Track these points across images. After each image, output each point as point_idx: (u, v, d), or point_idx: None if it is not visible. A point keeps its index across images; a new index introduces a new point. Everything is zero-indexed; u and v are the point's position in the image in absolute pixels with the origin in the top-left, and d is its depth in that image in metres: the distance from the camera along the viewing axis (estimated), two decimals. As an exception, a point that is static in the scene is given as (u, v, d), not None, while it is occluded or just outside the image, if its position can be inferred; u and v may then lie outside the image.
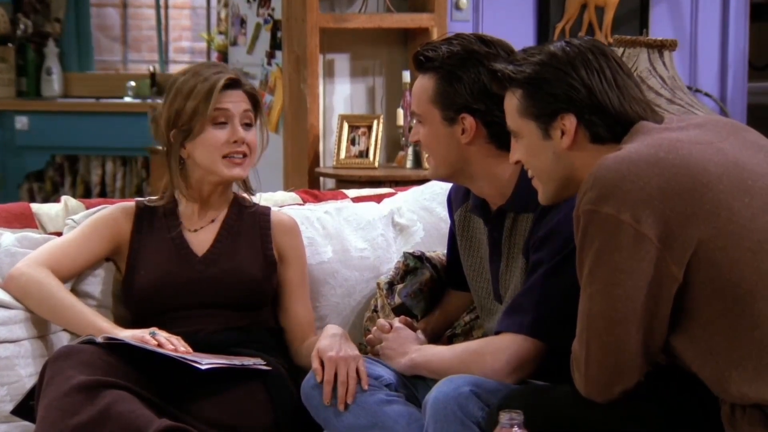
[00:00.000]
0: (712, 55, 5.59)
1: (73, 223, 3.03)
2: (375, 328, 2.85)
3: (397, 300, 3.02)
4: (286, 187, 4.45)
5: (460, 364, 2.56)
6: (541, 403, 2.36)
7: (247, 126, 2.92)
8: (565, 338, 2.34)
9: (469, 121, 2.62)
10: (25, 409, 2.69)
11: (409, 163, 5.03)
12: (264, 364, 2.75)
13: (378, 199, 3.43)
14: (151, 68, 7.95)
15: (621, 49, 4.27)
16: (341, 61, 5.25)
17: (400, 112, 5.09)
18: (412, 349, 2.72)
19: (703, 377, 2.24)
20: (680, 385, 2.31)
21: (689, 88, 5.04)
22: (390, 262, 3.19)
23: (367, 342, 2.88)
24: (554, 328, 2.50)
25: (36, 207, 3.14)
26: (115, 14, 8.51)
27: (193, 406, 2.65)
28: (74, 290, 2.93)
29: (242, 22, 5.64)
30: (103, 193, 7.67)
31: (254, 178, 3.03)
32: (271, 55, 5.39)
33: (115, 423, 2.48)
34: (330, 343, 2.71)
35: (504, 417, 2.12)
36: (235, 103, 2.89)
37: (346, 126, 5.11)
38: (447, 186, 2.98)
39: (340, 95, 5.26)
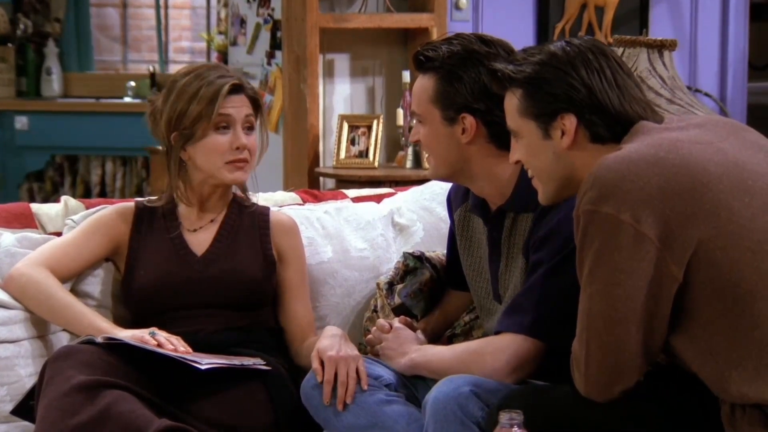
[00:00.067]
0: (712, 55, 5.59)
1: (72, 223, 3.03)
2: (375, 328, 2.85)
3: (397, 300, 3.02)
4: (286, 187, 4.45)
5: (460, 364, 2.56)
6: (541, 403, 2.36)
7: (249, 130, 2.92)
8: (565, 338, 2.34)
9: (469, 120, 2.62)
10: (24, 409, 2.69)
11: (408, 163, 5.03)
12: (264, 364, 2.75)
13: (378, 199, 3.43)
14: (151, 68, 7.95)
15: (621, 49, 4.27)
16: (341, 61, 5.25)
17: (400, 112, 5.09)
18: (412, 349, 2.72)
19: (703, 377, 2.24)
20: (680, 385, 2.31)
21: (689, 88, 5.05)
22: (390, 262, 3.19)
23: (367, 342, 2.88)
24: (554, 328, 2.50)
25: (36, 207, 3.14)
26: (115, 14, 8.51)
27: (193, 406, 2.65)
28: (74, 290, 2.93)
29: (242, 22, 5.64)
30: (103, 193, 7.67)
31: (251, 178, 3.03)
32: (270, 55, 5.39)
33: (115, 423, 2.48)
34: (330, 343, 2.71)
35: (504, 417, 2.12)
36: (238, 108, 2.89)
37: (345, 126, 5.11)
38: (447, 186, 2.98)
39: (340, 95, 5.26)
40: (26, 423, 2.71)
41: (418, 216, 3.31)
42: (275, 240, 3.01)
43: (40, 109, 7.68)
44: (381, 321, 2.86)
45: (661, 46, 4.28)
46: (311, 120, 5.08)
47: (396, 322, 2.82)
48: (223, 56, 6.42)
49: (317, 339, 2.79)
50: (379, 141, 5.07)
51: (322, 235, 3.19)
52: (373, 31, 5.18)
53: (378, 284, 3.11)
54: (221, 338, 2.85)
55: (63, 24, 7.91)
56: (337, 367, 2.65)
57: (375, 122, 5.10)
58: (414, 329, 2.84)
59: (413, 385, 2.73)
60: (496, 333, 2.59)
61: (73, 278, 2.94)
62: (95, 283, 2.97)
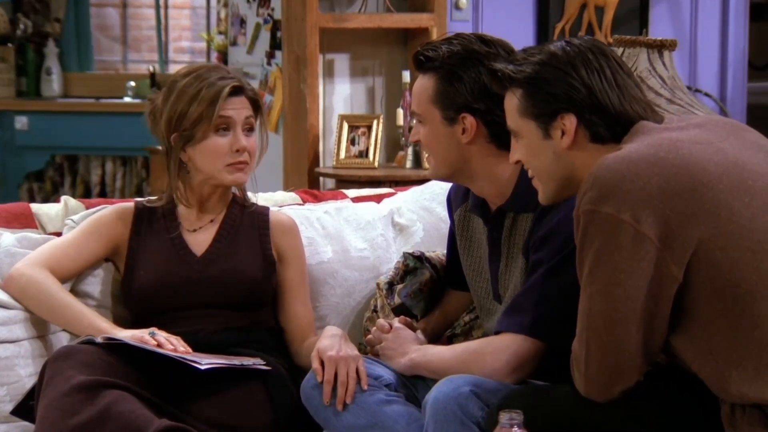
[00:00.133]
0: (712, 55, 5.59)
1: (72, 223, 3.03)
2: (375, 328, 2.85)
3: (397, 300, 3.02)
4: (286, 187, 4.45)
5: (460, 364, 2.56)
6: (541, 403, 2.36)
7: (249, 131, 2.92)
8: (565, 338, 2.34)
9: (469, 120, 2.62)
10: (24, 409, 2.69)
11: (408, 163, 5.03)
12: (264, 364, 2.75)
13: (378, 199, 3.43)
14: (151, 68, 7.95)
15: (621, 49, 4.27)
16: (341, 61, 5.25)
17: (400, 112, 5.09)
18: (412, 349, 2.72)
19: (703, 377, 2.24)
20: (680, 385, 2.31)
21: (689, 88, 5.04)
22: (390, 262, 3.19)
23: (367, 342, 2.88)
24: (554, 327, 2.50)
25: (36, 207, 3.14)
26: (115, 14, 8.51)
27: (192, 406, 2.65)
28: (74, 290, 2.93)
29: (242, 22, 5.64)
30: (102, 193, 7.67)
31: (251, 178, 3.02)
32: (270, 55, 5.39)
33: (114, 423, 2.48)
34: (330, 343, 2.71)
35: (504, 417, 2.12)
36: (238, 110, 2.89)
37: (345, 126, 5.11)
38: (447, 186, 2.98)
39: (340, 95, 5.26)
40: (26, 423, 2.71)
41: (418, 216, 3.31)
42: (275, 240, 3.01)
43: (40, 109, 7.68)
44: (381, 321, 2.86)
45: (661, 46, 4.28)
46: (311, 120, 5.08)
47: (396, 322, 2.82)
48: (223, 56, 6.42)
49: (317, 339, 2.79)
50: (379, 141, 5.07)
51: (322, 235, 3.19)
52: (373, 31, 5.18)
53: (378, 284, 3.11)
54: (221, 338, 2.85)
55: (63, 24, 7.91)
56: (337, 367, 2.65)
57: (375, 122, 5.10)
58: (414, 329, 2.84)
59: (413, 385, 2.73)
60: (496, 333, 2.59)
61: (73, 278, 2.94)
62: (95, 283, 2.97)
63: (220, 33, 6.86)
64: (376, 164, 5.06)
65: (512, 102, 2.41)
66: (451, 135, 2.64)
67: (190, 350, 2.70)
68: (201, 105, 2.85)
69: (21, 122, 7.58)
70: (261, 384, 2.73)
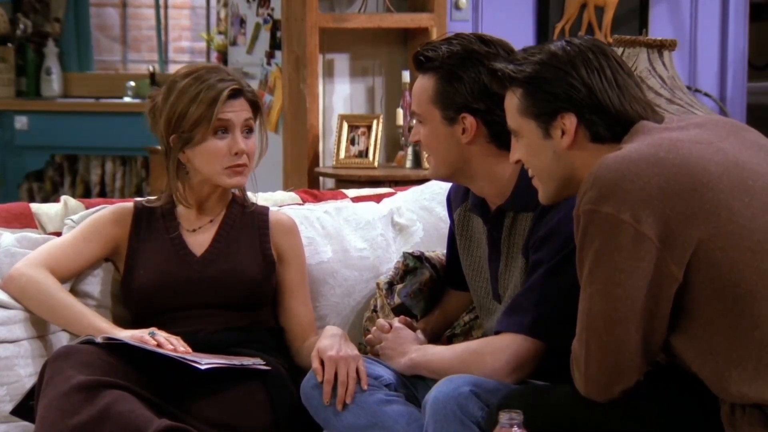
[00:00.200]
0: (712, 55, 5.59)
1: (72, 223, 3.03)
2: (374, 328, 2.85)
3: (397, 300, 3.02)
4: (286, 187, 4.45)
5: (460, 363, 2.56)
6: (541, 403, 2.36)
7: (248, 132, 2.91)
8: (564, 338, 2.34)
9: (469, 120, 2.62)
10: (24, 409, 2.69)
11: (408, 163, 5.03)
12: (263, 364, 2.75)
13: (377, 198, 3.43)
14: (151, 68, 7.95)
15: (620, 49, 4.26)
16: (341, 61, 5.25)
17: (400, 111, 5.09)
18: (412, 349, 2.72)
19: (703, 377, 2.24)
20: (680, 385, 2.31)
21: (689, 88, 5.04)
22: (389, 262, 3.19)
23: (367, 342, 2.88)
24: (554, 327, 2.50)
25: (35, 207, 3.14)
26: (115, 14, 8.51)
27: (192, 406, 2.65)
28: (73, 290, 2.93)
29: (242, 22, 5.64)
30: (102, 193, 7.67)
31: (250, 178, 3.02)
32: (270, 55, 5.39)
33: (114, 423, 2.48)
34: (330, 342, 2.71)
35: (504, 417, 2.12)
36: (237, 112, 2.88)
37: (345, 126, 5.11)
38: (446, 186, 2.98)
39: (340, 95, 5.26)
40: (26, 423, 2.71)
41: (417, 216, 3.31)
42: (275, 240, 3.01)
43: (39, 109, 7.68)
44: (381, 321, 2.86)
45: (660, 46, 4.28)
46: (311, 120, 5.08)
47: (396, 322, 2.82)
48: (223, 56, 6.42)
49: (318, 339, 2.79)
50: (378, 141, 5.08)
51: (322, 234, 3.19)
52: (372, 31, 5.18)
53: (378, 284, 3.11)
54: (221, 338, 2.85)
55: (63, 24, 7.91)
56: (337, 366, 2.65)
57: (375, 122, 5.10)
58: (414, 329, 2.84)
59: (413, 384, 2.73)
60: (496, 333, 2.59)
61: (73, 278, 2.94)
62: (95, 283, 2.97)
63: (219, 33, 6.86)
64: (376, 164, 5.06)
65: (512, 101, 2.41)
66: (451, 135, 2.64)
67: (189, 350, 2.70)
68: (200, 107, 2.84)
69: (21, 122, 7.58)
70: (261, 384, 2.73)
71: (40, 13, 7.83)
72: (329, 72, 5.22)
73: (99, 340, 2.68)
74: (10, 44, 7.74)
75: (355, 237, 3.23)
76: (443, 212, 3.11)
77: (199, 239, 2.96)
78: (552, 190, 2.42)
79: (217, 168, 2.89)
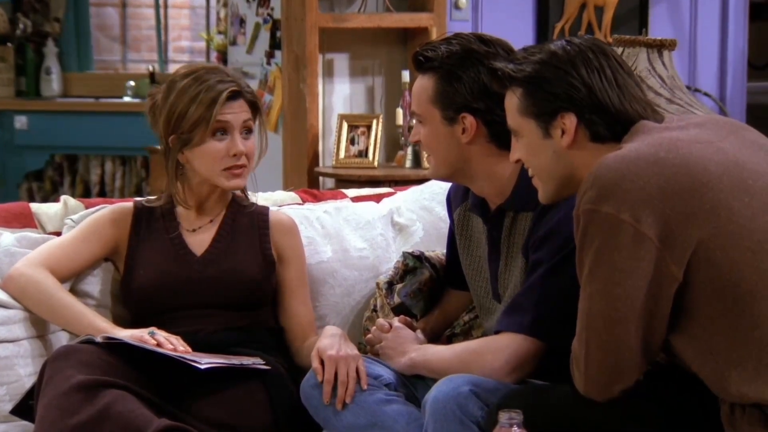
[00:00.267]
0: (712, 55, 5.59)
1: (72, 222, 3.03)
2: (374, 327, 2.85)
3: (397, 300, 3.02)
4: (286, 187, 4.45)
5: (460, 363, 2.56)
6: (541, 402, 2.36)
7: (247, 133, 2.91)
8: (564, 338, 2.34)
9: (469, 120, 2.62)
10: (24, 408, 2.69)
11: (408, 163, 5.03)
12: (263, 364, 2.75)
13: (377, 198, 3.43)
14: (151, 68, 7.95)
15: (620, 49, 4.26)
16: (340, 61, 5.25)
17: (400, 111, 5.09)
18: (412, 348, 2.72)
19: (703, 377, 2.24)
20: (680, 384, 2.31)
21: (688, 87, 5.04)
22: (389, 261, 3.19)
23: (367, 341, 2.88)
24: (554, 327, 2.50)
25: (35, 207, 3.14)
26: (115, 14, 8.51)
27: (192, 405, 2.65)
28: (73, 290, 2.93)
29: (241, 22, 5.64)
30: (102, 193, 7.67)
31: (251, 178, 3.02)
32: (270, 55, 5.39)
33: (114, 422, 2.48)
34: (330, 342, 2.71)
35: (503, 416, 2.12)
36: (236, 114, 2.88)
37: (345, 126, 5.11)
38: (446, 185, 2.98)
39: (340, 95, 5.26)
40: (26, 422, 2.71)
41: (417, 216, 3.31)
42: (275, 240, 3.01)
43: (39, 109, 7.68)
44: (380, 320, 2.86)
45: (660, 46, 4.28)
46: (311, 120, 5.08)
47: (396, 322, 2.82)
48: (223, 56, 6.42)
49: (318, 338, 2.79)
50: (378, 141, 5.08)
51: (322, 234, 3.19)
52: (372, 30, 5.18)
53: (377, 284, 3.11)
54: (221, 338, 2.85)
55: (62, 24, 7.91)
56: (337, 366, 2.65)
57: (374, 122, 5.10)
58: (413, 329, 2.84)
59: (413, 384, 2.73)
60: (496, 332, 2.59)
61: (73, 278, 2.94)
62: (95, 283, 2.97)
63: (219, 33, 6.85)
64: (376, 164, 5.06)
65: (512, 101, 2.41)
66: (451, 135, 2.64)
67: (189, 350, 2.70)
68: (199, 108, 2.84)
69: (20, 122, 7.58)
70: (260, 384, 2.73)
71: (40, 13, 7.83)
72: (329, 72, 5.22)
73: (99, 339, 2.68)
74: (9, 44, 7.74)
75: (354, 237, 3.23)
76: (443, 212, 3.11)
77: (199, 239, 2.96)
78: (552, 190, 2.42)
79: (215, 169, 2.89)
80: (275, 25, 5.33)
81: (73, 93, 7.90)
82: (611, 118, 2.33)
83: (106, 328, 2.77)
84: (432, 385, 2.51)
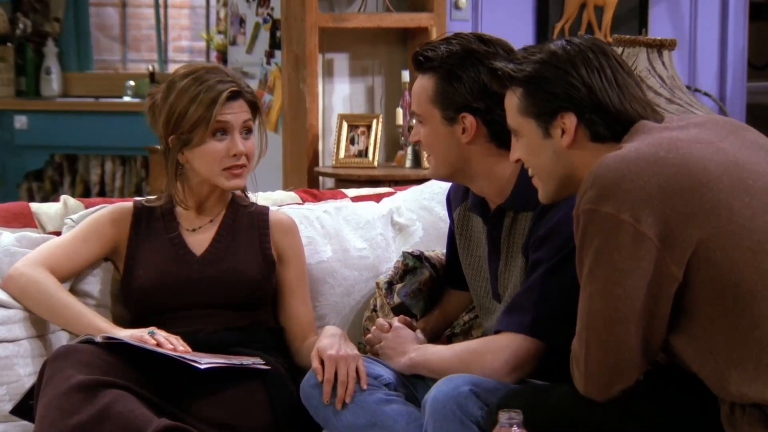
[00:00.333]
0: (712, 55, 5.59)
1: (72, 222, 3.03)
2: (374, 327, 2.85)
3: (397, 299, 3.02)
4: (286, 187, 4.45)
5: (460, 363, 2.56)
6: (541, 402, 2.36)
7: (247, 133, 2.91)
8: (564, 338, 2.34)
9: (469, 120, 2.62)
10: (24, 408, 2.69)
11: (408, 163, 5.03)
12: (263, 364, 2.75)
13: (377, 198, 3.43)
14: (151, 68, 7.94)
15: (620, 49, 4.26)
16: (340, 61, 5.25)
17: (400, 111, 5.09)
18: (412, 348, 2.72)
19: (703, 377, 2.24)
20: (680, 384, 2.31)
21: (688, 87, 5.04)
22: (389, 261, 3.19)
23: (367, 341, 2.88)
24: (554, 327, 2.50)
25: (35, 206, 3.14)
26: (115, 14, 8.51)
27: (192, 405, 2.65)
28: (73, 290, 2.93)
29: (241, 22, 5.64)
30: (102, 193, 7.67)
31: (250, 178, 3.02)
32: (270, 55, 5.39)
33: (114, 422, 2.48)
34: (330, 342, 2.71)
35: (503, 416, 2.12)
36: (236, 114, 2.88)
37: (345, 125, 5.11)
38: (446, 185, 2.98)
39: (340, 95, 5.26)
40: (26, 422, 2.71)
41: (417, 215, 3.31)
42: (274, 240, 3.01)
43: (39, 109, 7.68)
44: (380, 320, 2.86)
45: (660, 46, 4.28)
46: (310, 119, 5.08)
47: (395, 322, 2.82)
48: (223, 56, 6.42)
49: (317, 338, 2.79)
50: (378, 140, 5.08)
51: (322, 234, 3.19)
52: (372, 30, 5.18)
53: (377, 284, 3.11)
54: (221, 338, 2.85)
55: (62, 23, 7.91)
56: (337, 366, 2.65)
57: (374, 122, 5.10)
58: (413, 329, 2.84)
59: (412, 384, 2.73)
60: (496, 332, 2.59)
61: (72, 278, 2.94)
62: (94, 283, 2.97)
63: (219, 32, 6.86)
64: (376, 164, 5.06)
65: (512, 101, 2.41)
66: (451, 135, 2.64)
67: (189, 350, 2.70)
68: (199, 108, 2.84)
69: (20, 122, 7.57)
70: (260, 383, 2.73)
71: (40, 13, 7.83)
72: (329, 71, 5.22)
73: (98, 339, 2.68)
74: (9, 44, 7.74)
75: (354, 236, 3.23)
76: (443, 212, 3.11)
77: (199, 239, 2.96)
78: (552, 190, 2.42)
79: (215, 169, 2.88)
80: (275, 25, 5.33)
81: (72, 93, 7.90)
82: (611, 118, 2.33)
83: (106, 328, 2.77)
84: (432, 385, 2.51)
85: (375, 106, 5.28)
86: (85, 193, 7.64)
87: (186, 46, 8.55)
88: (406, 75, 5.04)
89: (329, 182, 5.09)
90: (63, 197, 3.17)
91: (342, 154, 5.09)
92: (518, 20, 5.38)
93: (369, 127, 5.09)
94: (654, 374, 2.32)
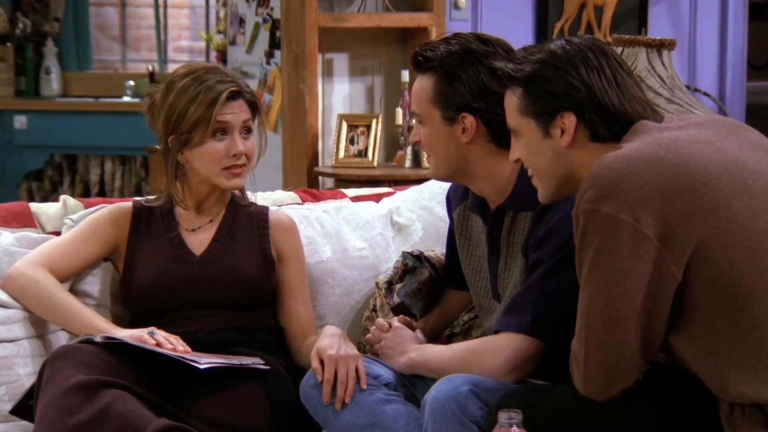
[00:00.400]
0: (711, 55, 5.59)
1: (71, 222, 3.03)
2: (374, 327, 2.85)
3: (396, 299, 3.02)
4: (285, 187, 4.45)
5: (459, 363, 2.56)
6: (540, 402, 2.36)
7: (247, 133, 2.91)
8: (564, 337, 2.34)
9: (469, 120, 2.62)
10: (24, 408, 2.69)
11: (408, 163, 5.03)
12: (263, 364, 2.75)
13: (377, 198, 3.43)
14: (150, 68, 7.94)
15: (620, 49, 4.26)
16: (340, 61, 5.25)
17: (399, 111, 5.09)
18: (411, 348, 2.72)
19: (703, 376, 2.24)
20: (680, 384, 2.31)
21: (688, 87, 5.04)
22: (389, 261, 3.19)
23: (366, 341, 2.88)
24: (553, 327, 2.50)
25: (35, 206, 3.14)
26: (114, 14, 8.51)
27: (192, 405, 2.65)
28: (73, 290, 2.93)
29: (241, 22, 5.64)
30: (101, 193, 7.67)
31: (250, 177, 3.02)
32: (270, 55, 5.39)
33: (113, 422, 2.48)
34: (329, 342, 2.71)
35: (503, 416, 2.12)
36: (236, 114, 2.88)
37: (345, 125, 5.11)
38: (446, 185, 2.98)
39: (339, 94, 5.26)
40: (25, 422, 2.71)
41: (417, 215, 3.31)
42: (274, 240, 3.01)
43: (39, 109, 7.67)
44: (380, 320, 2.86)
45: (660, 46, 4.28)
46: (310, 119, 5.08)
47: (395, 322, 2.82)
48: (222, 55, 6.42)
49: (317, 338, 2.79)
50: (378, 140, 5.08)
51: (321, 234, 3.19)
52: (372, 30, 5.18)
53: (377, 283, 3.11)
54: (221, 338, 2.85)
55: (62, 23, 7.91)
56: (337, 366, 2.65)
57: (374, 122, 5.10)
58: (413, 328, 2.84)
59: (412, 384, 2.73)
60: (496, 332, 2.59)
61: (72, 278, 2.94)
62: (94, 283, 2.97)
63: (219, 32, 6.85)
64: (375, 164, 5.06)
65: (512, 100, 2.41)
66: (451, 135, 2.64)
67: (189, 350, 2.70)
68: (199, 108, 2.84)
69: (20, 121, 7.57)
70: (260, 383, 2.73)
71: (40, 13, 7.83)
72: (328, 71, 5.22)
73: (98, 339, 2.68)
74: (9, 43, 7.74)
75: (354, 236, 3.23)
76: (442, 212, 3.11)
77: (199, 239, 2.96)
78: (551, 190, 2.42)
79: (215, 169, 2.88)
80: (275, 25, 5.33)
81: (72, 93, 7.90)
82: (611, 118, 2.33)
83: (105, 327, 2.77)
84: (431, 384, 2.51)
85: (375, 106, 5.28)
86: (84, 193, 7.64)
87: (186, 46, 8.55)
88: (405, 75, 5.04)
89: (329, 182, 5.09)
90: (62, 197, 3.17)
91: (342, 154, 5.09)
92: (518, 20, 5.38)
93: (369, 127, 5.09)
94: (654, 374, 2.32)
